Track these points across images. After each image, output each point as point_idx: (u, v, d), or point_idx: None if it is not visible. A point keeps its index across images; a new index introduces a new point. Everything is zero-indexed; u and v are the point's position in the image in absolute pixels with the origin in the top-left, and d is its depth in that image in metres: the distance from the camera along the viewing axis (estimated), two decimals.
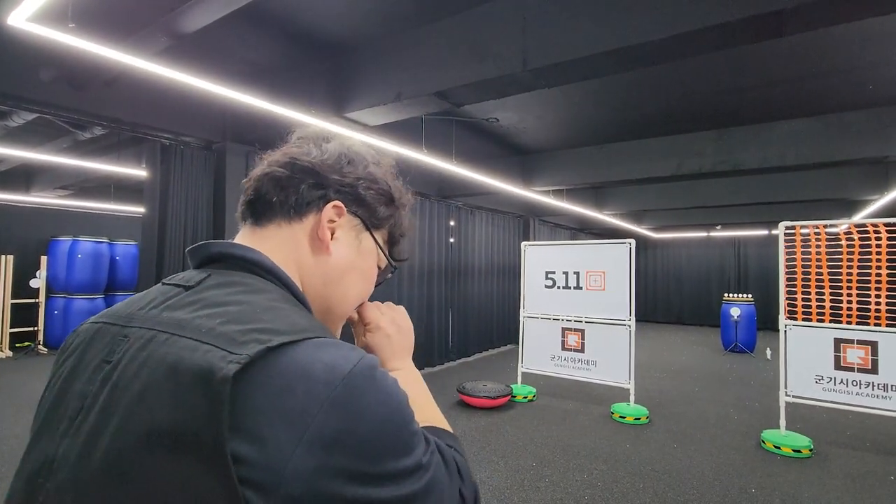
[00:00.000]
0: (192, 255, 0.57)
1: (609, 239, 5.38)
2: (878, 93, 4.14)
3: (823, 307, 4.11)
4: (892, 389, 3.80)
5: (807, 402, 4.16)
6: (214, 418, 0.39)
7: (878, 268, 3.91)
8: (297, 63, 3.87)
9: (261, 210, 0.59)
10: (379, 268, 0.67)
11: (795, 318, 4.23)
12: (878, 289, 3.90)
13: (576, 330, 5.48)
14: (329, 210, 0.59)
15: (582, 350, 5.42)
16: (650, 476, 3.60)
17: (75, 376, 0.52)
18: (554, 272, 5.67)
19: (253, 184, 0.60)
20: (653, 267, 14.68)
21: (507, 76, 2.83)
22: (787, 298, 4.25)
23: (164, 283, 0.56)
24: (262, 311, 0.48)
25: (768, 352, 8.74)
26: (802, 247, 4.20)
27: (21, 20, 2.29)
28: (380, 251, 0.66)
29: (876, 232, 3.95)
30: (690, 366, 7.94)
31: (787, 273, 4.25)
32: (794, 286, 4.22)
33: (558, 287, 5.63)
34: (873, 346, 3.88)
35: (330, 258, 0.60)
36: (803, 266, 4.19)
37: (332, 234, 0.60)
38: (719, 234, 13.39)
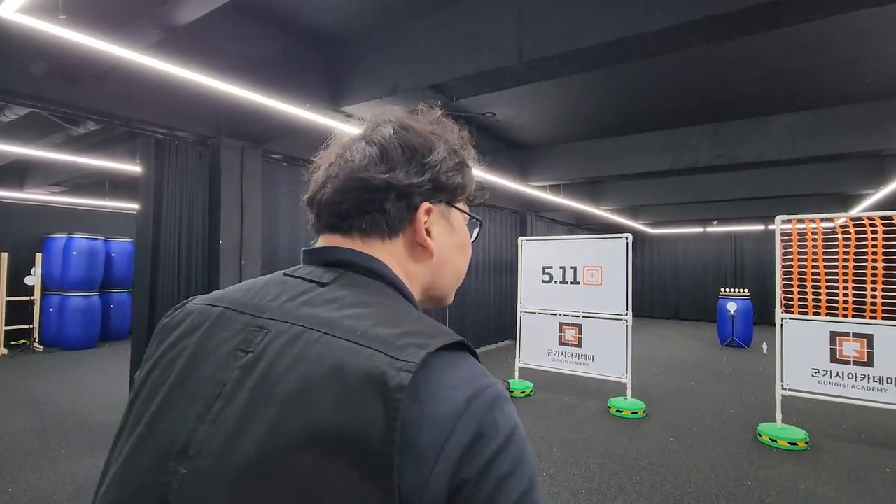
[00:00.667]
0: (312, 256, 0.57)
1: (606, 234, 5.37)
2: (875, 86, 4.14)
3: (819, 301, 4.12)
4: (887, 382, 3.82)
5: (803, 395, 4.18)
6: (388, 427, 0.39)
7: (874, 261, 3.92)
8: (293, 57, 3.84)
9: (349, 229, 0.57)
10: (469, 227, 0.67)
11: (792, 312, 4.24)
12: (873, 282, 3.91)
13: (573, 325, 5.48)
14: (422, 215, 0.57)
15: (579, 345, 5.43)
16: (647, 469, 3.61)
17: (202, 359, 0.50)
18: (551, 267, 5.67)
19: (326, 207, 0.57)
20: (650, 262, 14.71)
21: (503, 69, 2.82)
22: (783, 292, 4.26)
23: (287, 275, 0.56)
24: (403, 314, 0.50)
25: (764, 346, 8.78)
26: (799, 240, 4.21)
27: (10, 11, 2.26)
28: (465, 215, 0.64)
29: (872, 225, 3.95)
30: (687, 360, 7.96)
31: (783, 267, 4.26)
32: (791, 280, 4.23)
33: (555, 282, 5.63)
34: (869, 339, 3.89)
35: (434, 257, 0.60)
36: (799, 260, 4.20)
37: (430, 234, 0.59)
38: (716, 229, 13.42)
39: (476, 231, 0.69)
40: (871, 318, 3.91)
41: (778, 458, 3.87)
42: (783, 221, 4.27)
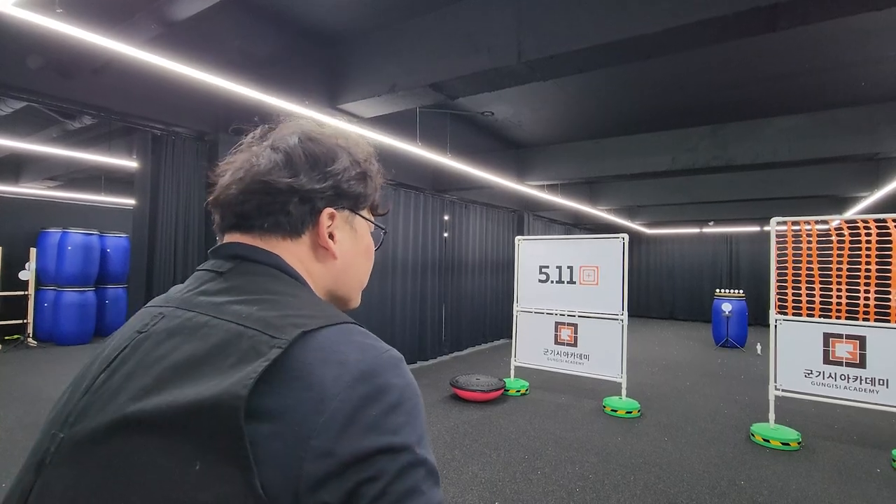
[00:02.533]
0: (215, 252, 0.60)
1: (603, 234, 5.39)
2: (871, 90, 4.17)
3: (813, 302, 4.15)
4: (879, 383, 3.85)
5: (796, 396, 4.21)
6: (241, 393, 0.41)
7: (868, 263, 3.95)
8: (291, 53, 3.83)
9: (250, 228, 0.59)
10: (372, 234, 0.70)
11: (786, 313, 4.26)
12: (866, 284, 3.94)
13: (569, 324, 5.50)
14: (325, 219, 0.60)
15: (575, 344, 5.44)
16: (641, 469, 3.63)
17: (107, 348, 0.55)
18: (548, 266, 5.69)
19: (230, 208, 0.59)
20: (646, 262, 14.76)
21: (502, 68, 2.82)
22: (777, 293, 4.29)
23: (198, 270, 0.60)
24: (293, 298, 0.52)
25: (758, 347, 8.82)
26: (793, 242, 4.24)
27: (7, 5, 2.25)
28: (370, 223, 0.68)
29: (866, 228, 3.98)
30: (682, 360, 8.00)
31: (778, 268, 4.29)
32: (785, 281, 4.26)
33: (552, 281, 5.65)
34: (861, 340, 3.93)
35: (337, 260, 0.62)
36: (794, 261, 4.22)
37: (333, 238, 0.62)
38: (712, 230, 13.48)
39: (381, 239, 0.72)
40: (864, 319, 3.94)
41: (770, 457, 3.90)
42: (778, 223, 4.29)
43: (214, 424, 0.41)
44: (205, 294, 0.53)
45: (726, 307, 9.15)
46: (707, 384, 6.33)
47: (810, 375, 4.12)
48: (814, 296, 4.14)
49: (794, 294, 4.22)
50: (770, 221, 4.29)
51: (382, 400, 0.45)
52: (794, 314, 4.23)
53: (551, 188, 7.42)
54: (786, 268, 4.26)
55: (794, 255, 4.21)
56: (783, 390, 4.24)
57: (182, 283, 0.59)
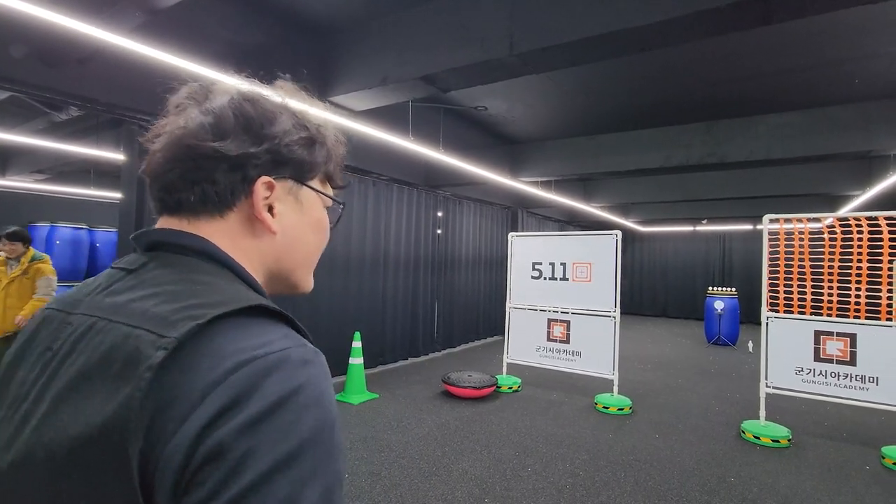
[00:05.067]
0: (137, 242, 0.54)
1: (596, 231, 5.37)
2: (864, 87, 4.17)
3: (805, 300, 4.15)
4: (869, 381, 3.86)
5: (786, 394, 4.22)
6: (129, 411, 0.38)
7: (859, 261, 3.95)
8: (281, 44, 3.77)
9: (178, 206, 0.53)
10: (327, 208, 0.63)
11: (777, 311, 4.27)
12: (857, 282, 3.95)
13: (561, 321, 5.48)
14: (259, 189, 0.53)
15: (567, 341, 5.43)
16: (632, 465, 3.62)
17: (19, 363, 0.50)
18: (541, 263, 5.66)
19: (155, 179, 0.53)
20: (640, 260, 14.80)
21: (494, 61, 2.78)
22: (769, 291, 4.28)
23: (111, 267, 0.54)
24: (206, 287, 0.47)
25: (750, 345, 8.87)
26: (785, 240, 4.23)
27: None
28: (322, 196, 0.61)
29: (857, 226, 3.98)
30: (674, 358, 8.02)
31: (770, 266, 4.29)
32: (777, 278, 4.26)
33: (545, 278, 5.63)
34: (852, 338, 3.93)
35: (277, 235, 0.56)
36: (786, 259, 4.22)
37: (272, 211, 0.55)
38: (705, 228, 13.52)
39: (338, 215, 0.65)
40: (855, 317, 3.95)
41: (761, 454, 3.91)
42: (771, 221, 4.29)
43: (101, 458, 0.38)
44: (112, 294, 0.48)
45: (718, 305, 9.18)
46: (698, 381, 6.34)
47: (801, 373, 4.13)
48: (805, 293, 4.14)
49: (785, 292, 4.22)
50: (762, 219, 4.29)
51: (246, 409, 0.38)
52: (785, 312, 4.23)
53: (545, 184, 7.40)
54: (777, 265, 4.25)
55: (786, 252, 4.21)
56: (774, 387, 4.25)
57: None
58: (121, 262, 0.53)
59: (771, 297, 4.28)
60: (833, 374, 4.00)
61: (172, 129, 0.52)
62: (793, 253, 4.19)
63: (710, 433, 4.35)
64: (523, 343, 5.73)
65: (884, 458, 3.70)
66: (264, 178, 0.53)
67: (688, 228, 13.77)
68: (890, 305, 3.80)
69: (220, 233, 0.53)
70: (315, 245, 0.61)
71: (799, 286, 4.17)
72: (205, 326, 0.41)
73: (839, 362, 3.97)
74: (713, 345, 9.24)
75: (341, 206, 0.65)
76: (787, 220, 4.23)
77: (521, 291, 5.79)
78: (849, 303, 3.96)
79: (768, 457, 3.87)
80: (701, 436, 4.28)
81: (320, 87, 3.65)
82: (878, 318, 3.86)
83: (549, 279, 5.58)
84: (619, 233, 5.17)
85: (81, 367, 0.43)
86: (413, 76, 3.12)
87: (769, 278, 4.28)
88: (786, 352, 4.19)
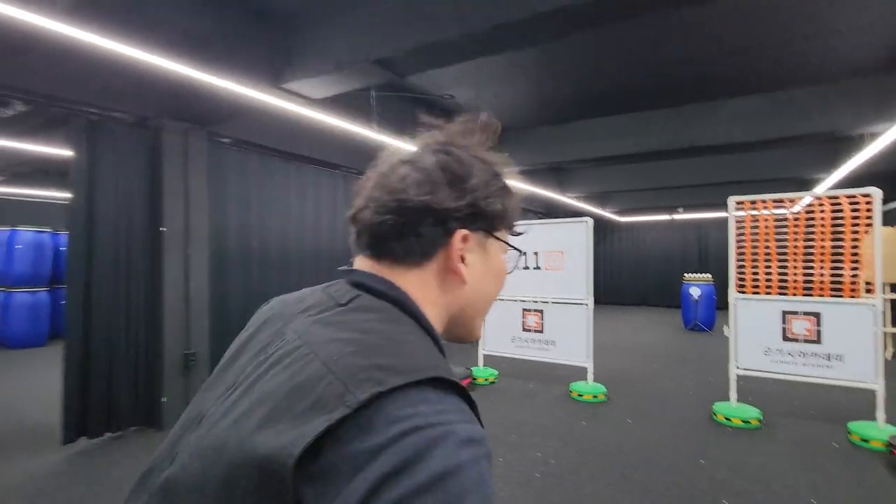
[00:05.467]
0: (344, 275, 0.59)
1: (568, 219, 5.34)
2: (823, 67, 4.18)
3: (771, 280, 4.17)
4: (834, 359, 3.89)
5: (756, 374, 4.23)
6: (303, 454, 0.40)
7: (822, 240, 3.98)
8: (234, 32, 3.64)
9: (382, 253, 0.58)
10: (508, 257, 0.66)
11: (745, 292, 4.28)
12: (821, 261, 3.97)
13: (535, 311, 5.45)
14: (458, 242, 0.57)
15: (541, 330, 5.40)
16: (602, 452, 3.60)
17: (244, 350, 0.57)
18: None
19: (365, 227, 0.58)
20: (619, 250, 14.91)
21: (444, 41, 2.70)
22: (737, 272, 4.29)
23: (324, 289, 0.59)
24: (395, 343, 0.49)
25: (725, 329, 8.92)
26: (751, 221, 4.24)
27: None
28: (505, 245, 0.64)
29: (820, 206, 4.00)
30: (651, 345, 8.07)
31: (737, 247, 4.29)
32: (744, 260, 4.27)
33: (517, 267, 5.57)
34: (817, 316, 3.96)
35: (466, 286, 0.59)
36: (752, 239, 4.23)
37: (464, 261, 0.58)
38: (682, 217, 13.65)
39: (515, 262, 0.67)
40: (820, 296, 3.97)
41: (731, 436, 3.92)
42: (737, 202, 4.29)
43: (266, 479, 0.41)
44: (320, 323, 0.52)
45: (694, 291, 9.26)
46: (674, 367, 6.38)
47: (770, 353, 4.15)
48: (771, 274, 4.15)
49: (752, 272, 4.23)
50: (728, 201, 4.29)
51: (414, 475, 0.39)
52: (753, 293, 4.25)
53: (518, 174, 7.35)
54: (744, 246, 4.26)
55: (752, 233, 4.22)
56: (744, 369, 4.26)
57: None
58: (334, 289, 0.57)
59: (738, 279, 4.29)
60: (800, 354, 4.02)
61: (381, 180, 0.57)
62: (759, 234, 4.20)
63: (682, 417, 4.35)
64: (499, 334, 5.68)
65: (850, 434, 3.73)
66: (462, 231, 0.57)
67: (665, 217, 13.89)
68: (854, 283, 3.82)
69: (418, 280, 0.57)
70: (494, 294, 0.64)
71: (765, 267, 4.18)
72: (385, 393, 0.43)
73: (806, 341, 4.00)
74: (690, 331, 9.32)
75: (521, 254, 0.68)
76: (753, 202, 4.24)
77: None
78: (813, 282, 3.98)
79: (739, 438, 3.88)
80: (673, 420, 4.28)
81: (274, 73, 3.53)
82: (842, 296, 3.89)
83: (522, 268, 5.54)
84: (591, 220, 5.14)
85: (276, 387, 0.46)
86: (366, 59, 3.02)
87: (736, 260, 4.29)
88: (755, 333, 4.21)
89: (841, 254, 3.90)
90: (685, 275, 9.92)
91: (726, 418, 4.15)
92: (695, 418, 4.31)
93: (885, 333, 7.09)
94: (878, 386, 3.71)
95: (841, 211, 3.89)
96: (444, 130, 0.61)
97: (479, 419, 0.49)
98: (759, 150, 5.00)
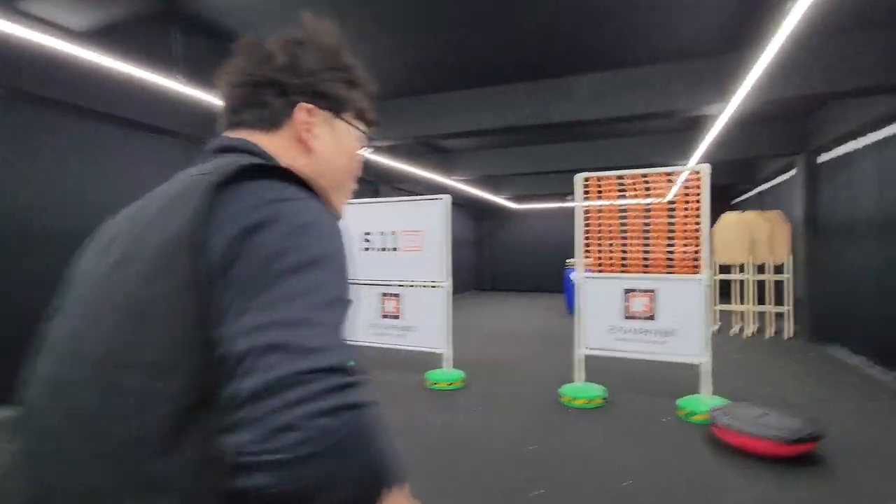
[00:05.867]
0: (208, 148, 0.67)
1: (426, 196, 4.99)
2: (663, 45, 4.19)
3: (614, 258, 4.12)
4: (667, 335, 3.91)
5: (601, 354, 4.18)
6: (190, 220, 0.50)
7: (659, 217, 3.98)
8: None
9: (240, 123, 0.67)
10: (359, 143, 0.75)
11: (591, 270, 4.20)
12: (658, 238, 3.97)
13: (392, 295, 5.06)
14: (300, 113, 0.66)
15: (399, 316, 5.03)
16: (447, 441, 3.32)
17: (81, 262, 0.64)
18: (370, 233, 5.18)
19: (225, 101, 0.69)
20: (514, 236, 15.16)
21: None
22: (584, 251, 4.20)
23: (178, 174, 0.65)
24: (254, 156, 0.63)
25: None
26: (596, 198, 4.16)
27: None
28: (353, 129, 0.73)
29: (657, 183, 4.00)
30: (529, 329, 8.10)
31: (585, 224, 4.19)
32: (590, 237, 4.18)
33: (375, 249, 5.16)
34: (653, 293, 3.96)
35: (315, 154, 0.68)
36: (596, 218, 4.16)
37: (311, 132, 0.68)
38: (572, 204, 14.09)
39: (368, 145, 0.76)
40: (657, 272, 3.98)
41: (575, 416, 3.82)
42: (585, 180, 4.18)
43: (177, 254, 0.49)
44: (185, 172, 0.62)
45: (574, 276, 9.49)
46: (541, 351, 6.35)
47: (613, 331, 4.11)
48: (615, 252, 4.11)
49: (597, 250, 4.16)
50: (574, 178, 4.17)
51: (280, 225, 0.51)
52: (598, 271, 4.18)
53: (390, 152, 6.92)
54: (590, 224, 4.18)
55: (597, 211, 4.14)
56: (590, 348, 4.20)
57: None
58: (189, 168, 0.63)
59: (585, 257, 4.20)
60: (639, 331, 4.01)
61: (236, 63, 0.68)
62: (603, 210, 4.12)
63: (532, 401, 4.20)
64: (356, 321, 5.21)
65: (678, 409, 3.76)
66: (305, 105, 0.67)
67: (556, 205, 14.28)
68: (687, 259, 3.85)
69: (272, 145, 0.66)
70: (346, 171, 0.74)
71: (609, 245, 4.12)
72: (247, 170, 0.54)
73: (643, 318, 3.99)
74: (571, 315, 9.55)
75: (371, 140, 0.77)
76: (598, 179, 4.16)
77: (355, 265, 5.26)
78: (656, 259, 3.98)
79: (581, 417, 3.79)
80: (523, 405, 4.12)
81: None
82: (675, 273, 3.92)
83: (380, 250, 5.12)
84: (449, 197, 4.84)
85: (161, 200, 0.57)
86: None
87: (584, 238, 4.19)
88: (599, 311, 4.15)
89: (673, 230, 3.92)
90: (567, 260, 10.16)
91: (571, 399, 4.05)
92: (544, 402, 4.18)
93: (749, 311, 7.69)
94: (705, 360, 3.77)
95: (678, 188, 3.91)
96: (303, 30, 0.69)
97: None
98: (605, 125, 4.92)
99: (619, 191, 4.10)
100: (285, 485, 0.40)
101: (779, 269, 7.37)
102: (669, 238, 3.92)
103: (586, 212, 4.19)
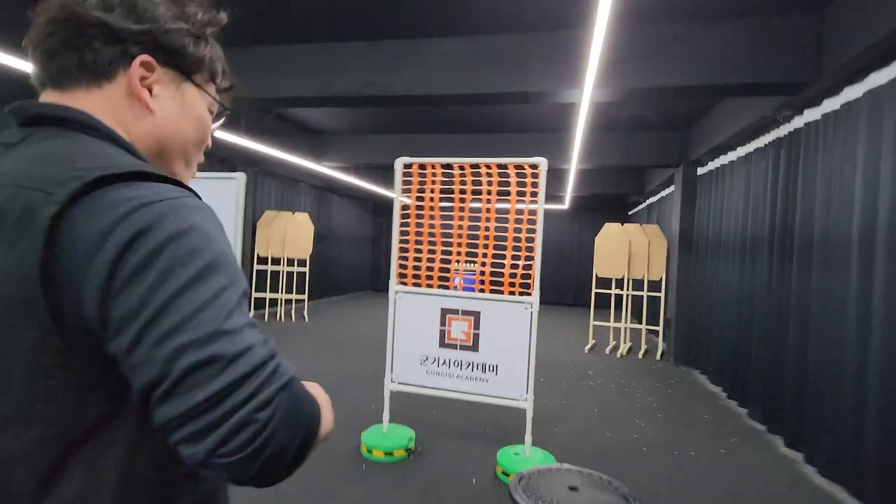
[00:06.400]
0: (14, 116, 0.54)
1: (217, 174, 3.82)
2: (519, 12, 3.39)
3: (433, 268, 3.23)
4: (489, 370, 3.09)
5: (411, 390, 3.28)
6: (36, 259, 0.42)
7: (487, 220, 3.14)
8: None
9: (59, 74, 0.55)
10: (211, 111, 0.66)
11: (406, 283, 3.28)
12: (485, 245, 3.14)
13: None
14: (137, 67, 0.56)
15: None
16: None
17: None
18: None
19: (38, 45, 0.55)
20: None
21: None
22: (399, 257, 3.27)
23: None
24: (85, 153, 0.49)
25: None
26: (419, 191, 3.25)
27: None
28: (205, 94, 0.64)
29: (488, 174, 3.16)
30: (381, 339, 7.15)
31: (401, 224, 3.26)
32: (408, 241, 3.27)
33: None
34: (476, 317, 3.12)
35: (155, 117, 0.58)
36: (417, 216, 3.25)
37: (151, 91, 0.57)
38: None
39: (222, 116, 0.68)
40: (480, 290, 3.15)
41: (370, 475, 2.88)
42: (405, 165, 3.25)
43: (17, 299, 0.43)
44: None
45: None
46: (378, 369, 5.40)
47: (426, 363, 3.22)
48: (434, 260, 3.22)
49: (415, 257, 3.26)
50: (395, 163, 3.23)
51: (153, 237, 0.44)
52: (414, 284, 3.27)
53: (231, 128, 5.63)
54: (408, 225, 3.26)
55: (416, 207, 3.24)
56: (399, 383, 3.28)
57: None
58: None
59: (401, 266, 3.28)
60: (456, 363, 3.15)
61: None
62: (423, 209, 3.22)
63: (331, 449, 3.19)
64: None
65: (499, 468, 2.94)
66: (144, 57, 0.55)
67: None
68: (514, 276, 3.05)
69: (100, 106, 0.54)
70: (193, 139, 0.63)
71: (429, 251, 3.23)
72: (92, 184, 0.44)
73: (463, 348, 3.14)
74: None
75: (225, 109, 0.68)
76: (422, 166, 3.24)
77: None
78: (475, 272, 3.14)
79: (377, 477, 2.87)
80: (324, 455, 3.10)
81: None
82: (502, 292, 3.10)
83: None
84: (243, 175, 3.70)
85: None
86: None
87: (400, 241, 3.26)
88: (414, 336, 3.24)
89: (505, 239, 3.10)
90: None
91: (369, 450, 3.11)
92: (345, 451, 3.20)
93: (624, 329, 7.26)
94: (528, 404, 2.99)
95: (508, 185, 3.09)
96: None
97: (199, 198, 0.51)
98: (454, 103, 4.09)
99: (445, 185, 3.21)
100: (244, 473, 0.44)
101: (656, 286, 7.05)
102: (499, 248, 3.10)
103: (405, 208, 3.26)
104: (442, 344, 3.17)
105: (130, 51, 0.54)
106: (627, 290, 7.00)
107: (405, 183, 3.23)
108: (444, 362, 3.16)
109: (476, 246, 3.14)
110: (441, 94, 3.81)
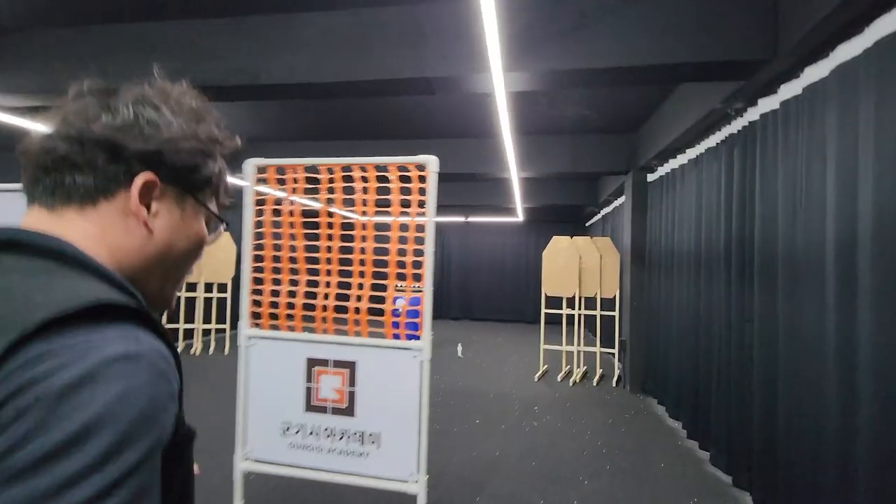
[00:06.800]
0: None
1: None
2: None
3: (296, 304, 2.43)
4: (368, 440, 2.29)
5: (269, 470, 2.44)
6: None
7: (364, 240, 2.38)
8: None
9: (53, 191, 0.50)
10: (207, 222, 0.60)
11: (261, 326, 2.46)
12: (361, 273, 2.37)
13: None
14: (139, 185, 0.51)
15: None
16: None
17: None
18: None
19: (34, 159, 0.51)
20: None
21: None
22: (251, 289, 2.45)
23: None
24: (39, 288, 0.42)
25: (459, 348, 7.88)
26: (273, 204, 2.46)
27: None
28: (204, 211, 0.58)
29: (364, 178, 2.40)
30: None
31: (254, 246, 2.45)
32: (262, 268, 2.46)
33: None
34: (351, 368, 2.33)
35: (152, 236, 0.53)
36: (274, 235, 2.45)
37: (150, 209, 0.53)
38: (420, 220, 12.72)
39: (218, 229, 0.63)
40: (356, 334, 2.36)
41: None
42: (258, 169, 2.46)
43: None
44: None
45: (399, 303, 7.92)
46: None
47: (288, 432, 2.39)
48: (296, 294, 2.42)
49: (272, 290, 2.44)
50: (244, 165, 2.43)
51: (51, 432, 0.36)
52: (271, 326, 2.46)
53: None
54: (263, 246, 2.45)
55: (273, 224, 2.44)
56: (254, 460, 2.44)
57: None
58: None
59: (254, 304, 2.46)
60: (327, 433, 2.34)
61: (64, 110, 0.51)
62: (281, 230, 2.43)
63: None
64: None
65: None
66: (148, 175, 0.52)
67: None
68: (397, 312, 2.29)
69: (91, 228, 0.50)
70: (186, 258, 0.58)
71: (291, 283, 2.43)
72: (17, 344, 0.38)
73: (335, 411, 2.34)
74: None
75: (224, 224, 0.63)
76: (281, 169, 2.46)
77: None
78: (348, 309, 2.35)
79: None
80: None
81: None
82: (383, 336, 2.33)
83: None
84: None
85: None
86: None
87: (253, 267, 2.45)
88: (273, 396, 2.42)
89: (384, 263, 2.34)
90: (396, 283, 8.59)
91: None
92: None
93: (577, 352, 6.59)
94: (420, 487, 2.20)
95: (389, 192, 2.34)
96: (157, 86, 0.55)
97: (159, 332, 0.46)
98: (333, 96, 3.33)
99: (308, 192, 2.43)
100: None
101: (610, 304, 6.43)
102: (378, 277, 2.34)
103: (259, 225, 2.46)
104: (309, 407, 2.35)
105: (134, 168, 0.51)
106: (579, 309, 6.36)
107: (260, 193, 2.44)
108: (312, 431, 2.35)
109: (350, 274, 2.36)
110: (325, 81, 3.06)
